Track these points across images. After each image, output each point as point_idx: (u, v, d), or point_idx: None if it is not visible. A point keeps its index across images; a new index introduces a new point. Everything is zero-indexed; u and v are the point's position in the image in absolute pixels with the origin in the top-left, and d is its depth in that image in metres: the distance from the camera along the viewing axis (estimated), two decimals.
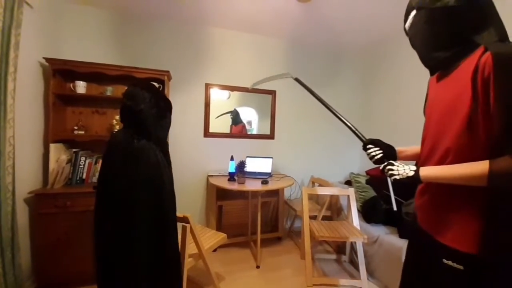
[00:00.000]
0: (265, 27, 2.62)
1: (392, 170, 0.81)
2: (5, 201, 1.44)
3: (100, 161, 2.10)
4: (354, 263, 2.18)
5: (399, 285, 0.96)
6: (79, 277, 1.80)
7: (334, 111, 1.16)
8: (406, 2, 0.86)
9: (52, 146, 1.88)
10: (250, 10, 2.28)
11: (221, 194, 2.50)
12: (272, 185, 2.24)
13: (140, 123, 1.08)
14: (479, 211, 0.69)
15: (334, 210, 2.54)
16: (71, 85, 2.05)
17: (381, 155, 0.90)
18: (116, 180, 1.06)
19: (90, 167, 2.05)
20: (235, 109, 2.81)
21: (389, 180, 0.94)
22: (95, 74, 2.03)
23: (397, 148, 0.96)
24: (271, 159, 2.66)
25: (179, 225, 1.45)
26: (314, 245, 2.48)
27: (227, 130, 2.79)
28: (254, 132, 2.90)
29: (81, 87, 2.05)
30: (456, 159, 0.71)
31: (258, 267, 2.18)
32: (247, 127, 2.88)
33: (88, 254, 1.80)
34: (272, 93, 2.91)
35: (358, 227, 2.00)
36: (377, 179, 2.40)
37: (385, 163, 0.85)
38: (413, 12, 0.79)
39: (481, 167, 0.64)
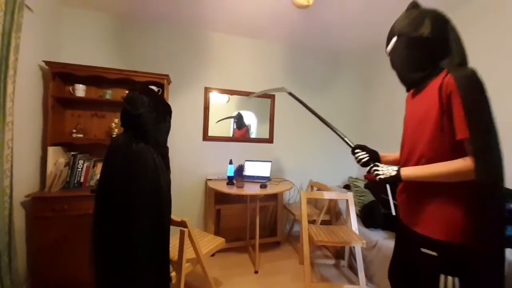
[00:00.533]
0: (264, 31, 2.65)
1: (377, 170, 0.94)
2: (3, 204, 1.43)
3: (99, 164, 2.10)
4: (353, 268, 2.17)
5: (389, 266, 1.11)
6: (75, 281, 1.78)
7: (325, 121, 1.34)
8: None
9: (50, 149, 1.88)
10: (250, 14, 2.30)
11: (220, 198, 2.49)
12: (270, 189, 2.23)
13: (139, 127, 1.10)
14: (446, 204, 0.84)
15: (333, 215, 2.53)
16: (71, 88, 2.05)
17: (367, 158, 1.02)
18: (115, 183, 1.06)
19: (88, 170, 2.04)
20: (238, 112, 2.83)
21: (388, 186, 1.01)
22: (94, 77, 2.03)
23: (380, 154, 1.09)
24: (270, 163, 2.66)
25: (177, 230, 1.45)
26: (313, 250, 2.47)
27: (226, 134, 2.80)
28: (253, 136, 2.91)
29: (80, 90, 2.05)
30: (428, 162, 0.86)
31: (256, 272, 2.16)
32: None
33: (85, 259, 1.78)
34: (271, 97, 2.92)
35: (357, 232, 2.00)
36: (375, 183, 2.40)
37: (371, 165, 0.98)
38: (395, 38, 0.95)
39: (450, 166, 0.79)
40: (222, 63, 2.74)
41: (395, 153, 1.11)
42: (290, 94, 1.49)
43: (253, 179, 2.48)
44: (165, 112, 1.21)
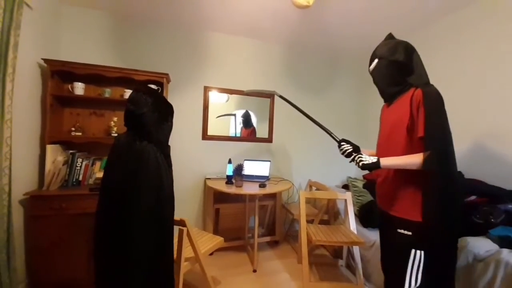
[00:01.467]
0: (263, 31, 2.65)
1: (361, 158, 1.14)
2: (1, 202, 1.42)
3: (97, 163, 2.10)
4: (350, 267, 2.18)
5: (380, 258, 1.32)
6: (73, 280, 1.78)
7: (314, 119, 1.55)
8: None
9: (49, 147, 1.87)
10: (249, 15, 2.30)
11: (219, 197, 2.49)
12: (269, 189, 2.24)
13: (142, 126, 1.12)
14: (418, 190, 1.06)
15: (331, 214, 2.54)
16: (69, 86, 2.05)
17: (351, 149, 1.20)
18: (117, 181, 1.08)
19: (87, 169, 2.03)
20: (246, 110, 2.85)
21: None
22: (93, 75, 2.03)
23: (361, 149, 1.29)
24: (269, 163, 2.66)
25: (176, 228, 1.45)
26: (311, 249, 2.47)
27: (225, 133, 2.80)
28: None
29: (79, 88, 2.04)
30: (401, 155, 1.09)
31: (255, 271, 2.16)
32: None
33: (83, 258, 1.78)
34: (271, 96, 2.92)
35: (355, 232, 2.00)
36: (374, 183, 2.41)
37: (356, 154, 1.17)
38: (376, 60, 1.20)
39: (417, 157, 1.02)
40: (222, 63, 2.74)
41: (372, 150, 1.37)
42: (281, 97, 1.70)
43: (252, 178, 2.49)
44: (167, 112, 1.23)
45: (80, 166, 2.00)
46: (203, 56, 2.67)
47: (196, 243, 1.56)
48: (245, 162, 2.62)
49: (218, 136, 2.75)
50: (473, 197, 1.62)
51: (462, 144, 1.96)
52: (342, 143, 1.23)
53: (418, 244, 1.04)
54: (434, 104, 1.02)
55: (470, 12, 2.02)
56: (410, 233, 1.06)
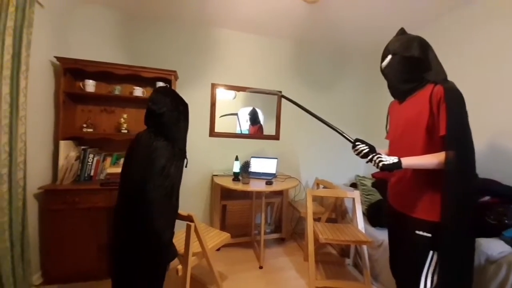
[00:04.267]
0: (271, 28, 2.62)
1: (381, 158, 1.07)
2: (16, 196, 1.48)
3: (108, 158, 2.15)
4: (358, 266, 2.16)
5: (389, 259, 1.30)
6: (85, 272, 1.84)
7: (323, 120, 1.46)
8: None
9: (62, 143, 1.92)
10: (256, 11, 2.28)
11: (226, 194, 2.51)
12: (276, 186, 2.23)
13: (161, 125, 1.21)
14: (436, 190, 1.01)
15: (338, 213, 2.51)
16: (81, 83, 2.09)
17: (367, 149, 1.13)
18: (134, 173, 1.16)
19: (98, 164, 2.08)
20: (253, 108, 2.85)
21: None
22: (104, 73, 2.07)
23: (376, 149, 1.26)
24: (276, 160, 2.66)
25: (184, 223, 1.47)
26: (318, 247, 2.46)
27: (232, 130, 2.80)
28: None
29: (90, 85, 2.08)
30: (418, 155, 1.06)
31: (261, 267, 2.18)
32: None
33: (94, 250, 1.84)
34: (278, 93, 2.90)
35: (363, 231, 1.98)
36: (383, 182, 2.37)
37: (374, 154, 1.10)
38: (389, 56, 1.16)
39: (439, 157, 0.98)
40: (229, 60, 2.73)
41: (386, 149, 1.34)
42: (286, 98, 1.60)
43: (259, 175, 2.49)
44: (185, 111, 1.30)
45: (92, 162, 2.05)
46: (211, 53, 2.67)
47: (204, 238, 1.58)
48: (252, 159, 2.62)
49: (225, 133, 2.76)
50: (487, 198, 1.57)
51: (476, 143, 1.89)
52: (357, 143, 1.17)
53: (435, 245, 1.01)
54: (456, 101, 0.97)
55: (488, 4, 1.92)
56: (429, 234, 1.03)
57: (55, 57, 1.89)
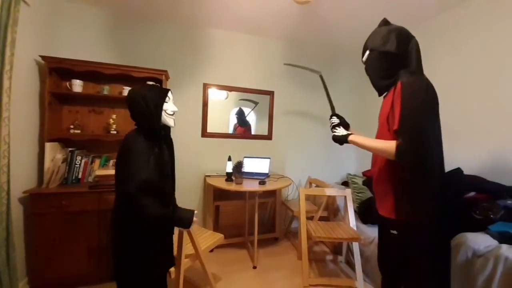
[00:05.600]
0: (263, 28, 2.62)
1: (335, 130, 1.24)
2: (0, 200, 1.42)
3: (96, 160, 2.11)
4: (350, 263, 2.19)
5: (378, 265, 1.31)
6: (74, 278, 1.79)
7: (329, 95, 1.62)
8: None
9: (48, 145, 1.86)
10: (249, 11, 2.28)
11: (219, 195, 2.49)
12: (269, 186, 2.24)
13: (134, 118, 1.21)
14: (403, 189, 1.01)
15: (331, 211, 2.55)
16: (68, 83, 2.03)
17: (337, 122, 1.28)
18: (117, 171, 1.16)
19: (86, 166, 2.03)
20: (240, 108, 2.84)
21: None
22: (92, 72, 2.01)
23: (351, 129, 1.33)
24: (268, 160, 2.66)
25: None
26: (311, 245, 2.49)
27: (225, 130, 2.79)
28: (252, 132, 2.90)
29: (77, 85, 2.03)
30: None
31: (255, 267, 2.18)
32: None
33: (83, 255, 1.79)
34: (270, 93, 2.91)
35: (355, 228, 2.01)
36: (372, 180, 2.41)
37: (335, 123, 1.27)
38: (368, 51, 1.16)
39: (389, 144, 0.98)
40: (221, 59, 2.72)
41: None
42: (322, 79, 1.82)
43: (252, 175, 2.49)
44: (158, 96, 1.22)
45: (80, 164, 1.99)
46: (202, 53, 2.65)
47: (197, 240, 1.56)
48: (245, 159, 2.62)
49: (218, 133, 2.75)
50: (472, 193, 1.62)
51: (475, 142, 1.85)
52: (333, 117, 1.30)
53: (404, 242, 1.03)
54: (411, 96, 0.95)
55: (482, 3, 1.89)
56: (396, 232, 1.05)
57: (40, 56, 1.83)
